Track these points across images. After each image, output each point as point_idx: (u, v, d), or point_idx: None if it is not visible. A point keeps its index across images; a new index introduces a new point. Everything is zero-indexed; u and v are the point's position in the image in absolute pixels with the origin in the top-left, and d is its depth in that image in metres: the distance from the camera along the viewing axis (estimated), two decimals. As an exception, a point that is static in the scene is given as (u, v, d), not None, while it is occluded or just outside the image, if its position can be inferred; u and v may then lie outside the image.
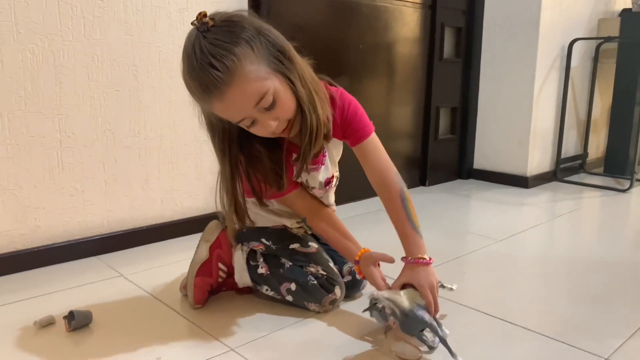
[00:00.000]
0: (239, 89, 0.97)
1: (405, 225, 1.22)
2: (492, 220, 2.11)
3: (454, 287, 1.42)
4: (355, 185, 2.36)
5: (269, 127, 1.05)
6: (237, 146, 1.14)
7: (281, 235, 1.33)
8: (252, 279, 1.31)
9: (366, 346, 1.12)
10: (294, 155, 1.22)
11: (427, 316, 1.09)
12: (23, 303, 1.33)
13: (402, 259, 1.20)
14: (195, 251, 1.35)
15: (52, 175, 1.56)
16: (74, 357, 1.08)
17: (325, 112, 1.13)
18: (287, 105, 1.06)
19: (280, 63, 1.03)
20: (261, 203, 1.25)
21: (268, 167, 1.18)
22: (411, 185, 2.68)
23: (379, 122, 2.45)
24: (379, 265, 1.25)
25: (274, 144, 1.19)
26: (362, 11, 2.28)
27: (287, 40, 1.06)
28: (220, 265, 1.34)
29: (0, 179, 1.47)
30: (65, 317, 1.19)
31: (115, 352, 1.09)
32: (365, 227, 2.01)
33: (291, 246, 1.31)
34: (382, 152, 1.25)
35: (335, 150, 1.30)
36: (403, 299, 1.11)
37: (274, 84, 1.02)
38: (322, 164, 1.27)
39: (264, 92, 1.00)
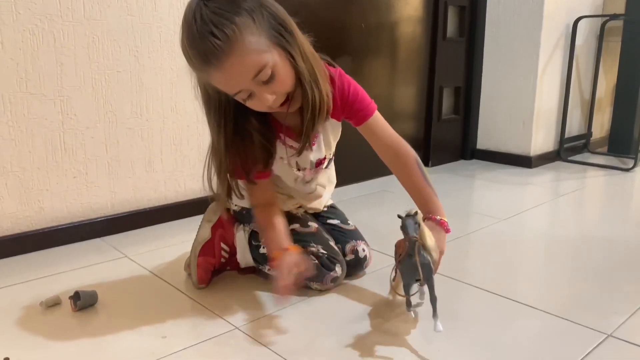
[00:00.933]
0: (238, 60, 0.96)
1: (426, 188, 1.22)
2: (496, 200, 2.10)
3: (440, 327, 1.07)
4: (357, 166, 2.36)
5: (266, 100, 1.03)
6: (232, 119, 1.12)
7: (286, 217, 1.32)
8: (254, 259, 1.32)
9: (369, 325, 1.13)
10: (283, 137, 1.20)
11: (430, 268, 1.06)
12: (29, 284, 1.34)
13: (427, 216, 1.20)
14: (198, 231, 1.36)
15: (55, 157, 1.56)
16: (80, 336, 1.09)
17: (326, 88, 1.12)
18: (286, 79, 1.04)
19: (281, 36, 1.01)
20: (249, 181, 1.21)
21: (258, 143, 1.15)
22: (414, 166, 2.67)
23: (382, 102, 2.41)
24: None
25: (267, 122, 1.17)
26: (364, -10, 2.25)
27: (288, 15, 1.05)
28: (223, 245, 1.35)
29: (3, 161, 1.47)
30: (70, 297, 1.20)
31: (120, 331, 1.10)
32: (369, 208, 2.01)
33: (291, 227, 1.30)
34: (388, 127, 1.25)
35: (332, 131, 1.27)
36: (429, 236, 1.08)
37: (274, 57, 1.00)
38: (314, 144, 1.24)
39: (263, 64, 0.98)
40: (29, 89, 1.48)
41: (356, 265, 1.36)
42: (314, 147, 1.24)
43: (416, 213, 1.04)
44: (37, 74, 1.49)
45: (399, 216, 1.04)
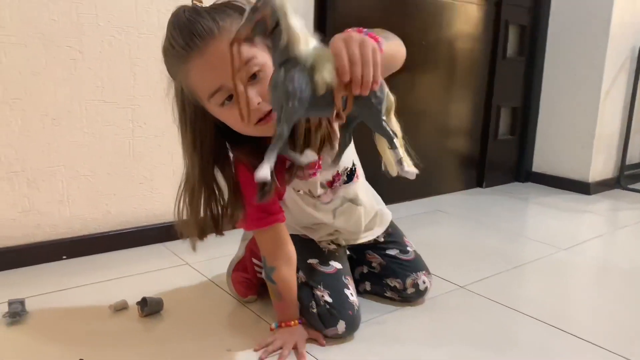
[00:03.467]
0: (222, 45, 0.87)
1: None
2: (553, 227, 2.07)
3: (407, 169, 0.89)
4: (407, 183, 2.36)
5: (250, 102, 0.90)
6: (211, 141, 1.00)
7: (304, 246, 1.24)
8: None
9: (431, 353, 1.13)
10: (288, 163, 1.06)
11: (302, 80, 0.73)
12: (96, 285, 1.41)
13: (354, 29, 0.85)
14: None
15: (124, 163, 1.63)
16: (145, 342, 1.13)
17: None
18: None
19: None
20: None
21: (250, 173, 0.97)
22: (467, 186, 2.66)
23: (438, 119, 2.44)
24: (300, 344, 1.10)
25: (256, 148, 1.00)
26: (426, 8, 2.26)
27: None
28: (255, 260, 1.35)
29: (76, 165, 1.55)
30: (138, 303, 1.25)
31: (185, 340, 1.14)
32: (421, 229, 2.01)
33: (309, 260, 1.22)
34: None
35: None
36: (299, 30, 0.73)
37: (263, 56, 0.91)
38: (320, 167, 1.12)
39: (250, 56, 0.89)
40: (104, 97, 1.56)
41: (416, 297, 1.34)
42: (320, 170, 1.13)
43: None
44: (112, 83, 1.56)
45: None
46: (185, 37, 0.88)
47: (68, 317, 1.23)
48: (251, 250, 1.35)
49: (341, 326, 1.13)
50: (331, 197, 1.20)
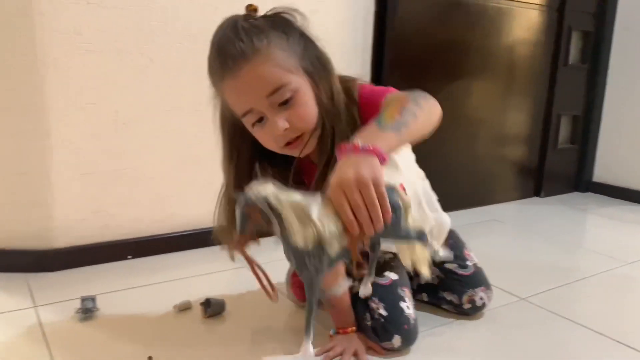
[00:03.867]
0: (257, 68, 0.88)
1: (392, 105, 0.93)
2: (615, 240, 2.00)
3: (442, 253, 0.98)
4: (463, 191, 2.33)
5: (276, 127, 0.91)
6: (247, 153, 1.03)
7: None
8: None
9: (493, 363, 1.12)
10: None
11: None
12: (161, 285, 1.46)
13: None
14: None
15: (188, 167, 1.68)
16: (209, 343, 1.17)
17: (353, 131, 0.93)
18: (306, 111, 0.94)
19: (312, 66, 0.94)
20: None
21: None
22: (524, 195, 2.61)
23: (495, 126, 2.40)
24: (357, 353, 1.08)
25: (284, 163, 1.04)
26: (487, 13, 2.23)
27: (328, 56, 0.98)
28: None
29: (144, 168, 1.61)
30: (202, 304, 1.29)
31: (247, 342, 1.17)
32: (477, 238, 1.98)
33: (362, 271, 1.17)
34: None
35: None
36: (291, 212, 0.73)
37: (298, 82, 0.92)
38: None
39: (283, 83, 0.90)
40: (171, 103, 1.61)
41: (473, 312, 1.32)
42: None
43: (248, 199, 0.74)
44: (178, 89, 1.62)
45: (237, 195, 0.77)
46: (220, 57, 0.91)
47: (135, 315, 1.28)
48: None
49: (397, 340, 1.10)
50: None
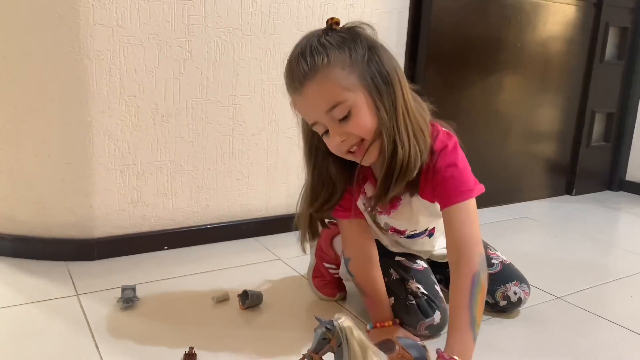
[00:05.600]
0: (316, 87, 0.96)
1: (462, 313, 0.99)
2: (653, 240, 1.97)
3: None
4: (495, 187, 2.31)
5: (334, 140, 1.00)
6: (324, 154, 1.09)
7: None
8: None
9: (532, 362, 1.11)
10: (367, 186, 1.14)
11: None
12: (198, 276, 1.47)
13: (437, 351, 0.95)
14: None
15: (224, 159, 1.69)
16: (247, 334, 1.18)
17: (412, 154, 1.01)
18: (363, 124, 0.99)
19: (374, 83, 0.98)
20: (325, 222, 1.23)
21: (325, 183, 1.12)
22: (556, 193, 2.57)
23: (527, 122, 2.36)
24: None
25: (348, 165, 1.11)
26: (523, 8, 2.20)
27: (400, 71, 1.02)
28: (326, 265, 1.37)
29: (181, 160, 1.62)
30: (239, 295, 1.29)
31: (285, 335, 1.17)
32: (510, 236, 1.96)
33: (397, 258, 1.26)
34: (472, 224, 1.06)
35: (422, 210, 1.15)
36: (359, 348, 0.85)
37: (356, 99, 0.97)
38: (390, 213, 1.15)
39: (340, 100, 0.96)
40: (208, 96, 1.62)
41: (511, 309, 1.30)
42: (392, 213, 1.16)
43: (327, 327, 0.84)
44: (216, 82, 1.62)
45: (317, 318, 0.87)
46: (289, 75, 1.00)
47: (174, 305, 1.29)
48: (320, 256, 1.38)
49: (437, 316, 1.16)
50: (389, 234, 1.25)
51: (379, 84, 0.99)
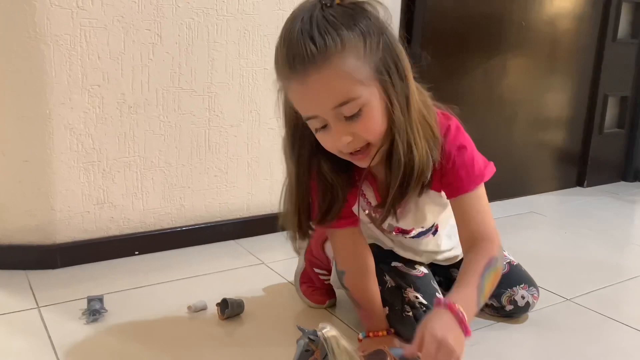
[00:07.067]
0: (325, 78, 0.88)
1: (472, 276, 0.99)
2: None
3: None
4: (500, 181, 2.32)
5: (337, 140, 0.93)
6: (309, 149, 1.03)
7: (386, 251, 1.27)
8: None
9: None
10: (366, 189, 1.12)
11: None
12: (173, 284, 1.46)
13: (446, 301, 0.94)
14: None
15: (199, 154, 1.68)
16: (228, 347, 1.17)
17: (426, 156, 0.99)
18: (374, 125, 0.94)
19: (389, 76, 0.92)
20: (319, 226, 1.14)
21: (325, 186, 1.07)
22: (566, 185, 2.58)
23: (534, 108, 2.38)
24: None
25: (344, 166, 1.06)
26: (528, -17, 2.21)
27: (408, 59, 0.96)
28: (317, 270, 1.37)
29: (152, 155, 1.61)
30: (218, 305, 1.29)
31: (269, 346, 1.17)
32: (517, 232, 1.97)
33: (393, 264, 1.24)
34: (485, 211, 1.08)
35: (429, 205, 1.14)
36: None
37: (369, 95, 0.91)
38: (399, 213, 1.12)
39: (353, 97, 0.89)
40: (181, 84, 1.61)
41: (518, 314, 1.30)
42: (398, 214, 1.12)
43: (310, 337, 0.86)
44: (190, 69, 1.61)
45: (300, 328, 0.88)
46: (288, 55, 0.89)
47: (146, 317, 1.28)
48: (310, 261, 1.38)
49: None
50: (390, 235, 1.24)
51: (395, 78, 0.93)
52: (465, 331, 0.90)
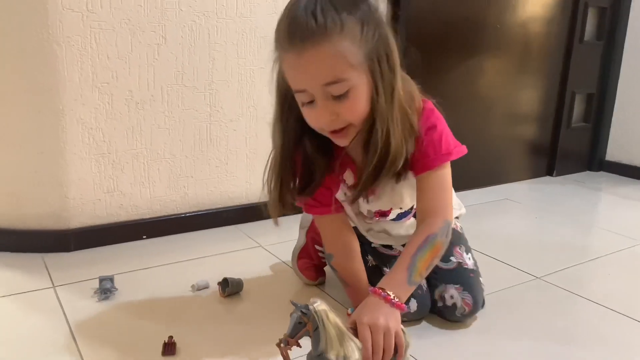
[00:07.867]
0: (320, 54, 0.86)
1: (403, 258, 1.01)
2: (630, 219, 2.00)
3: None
4: (477, 170, 2.33)
5: (321, 116, 0.92)
6: (295, 121, 1.00)
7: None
8: None
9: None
10: (347, 174, 1.10)
11: None
12: (177, 265, 1.46)
13: (372, 288, 0.99)
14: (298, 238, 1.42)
15: (201, 146, 1.68)
16: (228, 322, 1.18)
17: (401, 146, 0.98)
18: (357, 108, 0.93)
19: (379, 66, 0.91)
20: (299, 201, 1.12)
21: (307, 163, 1.05)
22: (537, 174, 2.59)
23: (508, 104, 2.38)
24: None
25: (327, 148, 1.05)
26: (503, -11, 2.20)
27: (398, 53, 0.95)
28: (317, 247, 1.37)
29: (157, 148, 1.61)
30: (219, 283, 1.29)
31: (267, 321, 1.18)
32: (491, 218, 1.98)
33: (373, 244, 1.25)
34: (445, 190, 1.06)
35: (408, 186, 1.10)
36: (335, 332, 0.86)
37: (358, 79, 0.90)
38: (373, 194, 1.11)
39: (343, 78, 0.89)
40: (184, 82, 1.60)
41: (446, 313, 1.17)
42: (370, 199, 1.12)
43: (302, 311, 0.84)
44: (192, 68, 1.61)
45: (293, 303, 0.87)
46: (289, 28, 0.88)
47: (153, 295, 1.29)
48: (312, 238, 1.38)
49: (413, 305, 1.13)
50: (371, 221, 1.20)
51: (385, 68, 0.92)
52: (396, 306, 0.95)
